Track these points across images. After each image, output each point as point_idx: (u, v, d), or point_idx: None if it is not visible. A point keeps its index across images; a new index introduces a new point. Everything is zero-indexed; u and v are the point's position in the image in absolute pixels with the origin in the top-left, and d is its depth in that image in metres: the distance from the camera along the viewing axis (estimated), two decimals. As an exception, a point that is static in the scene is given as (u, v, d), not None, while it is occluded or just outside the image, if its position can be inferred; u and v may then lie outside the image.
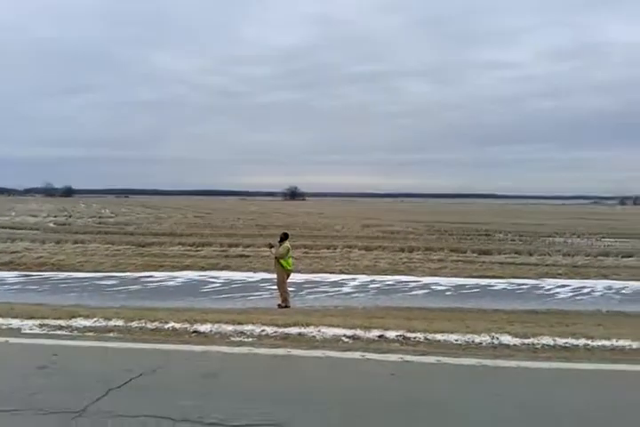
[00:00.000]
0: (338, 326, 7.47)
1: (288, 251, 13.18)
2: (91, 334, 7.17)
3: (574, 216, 62.76)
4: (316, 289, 16.04)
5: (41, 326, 7.49)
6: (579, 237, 33.40)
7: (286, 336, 7.06)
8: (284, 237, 13.52)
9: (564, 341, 6.89)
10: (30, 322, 7.63)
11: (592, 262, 21.98)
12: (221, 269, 19.67)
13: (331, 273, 18.87)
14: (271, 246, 13.73)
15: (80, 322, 7.71)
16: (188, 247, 25.25)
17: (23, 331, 7.24)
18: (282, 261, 13.08)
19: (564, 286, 17.23)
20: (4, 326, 7.45)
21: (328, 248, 25.03)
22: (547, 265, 21.08)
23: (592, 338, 7.01)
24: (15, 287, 15.89)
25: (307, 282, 16.91)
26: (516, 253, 24.43)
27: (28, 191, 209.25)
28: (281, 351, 6.21)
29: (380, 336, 7.03)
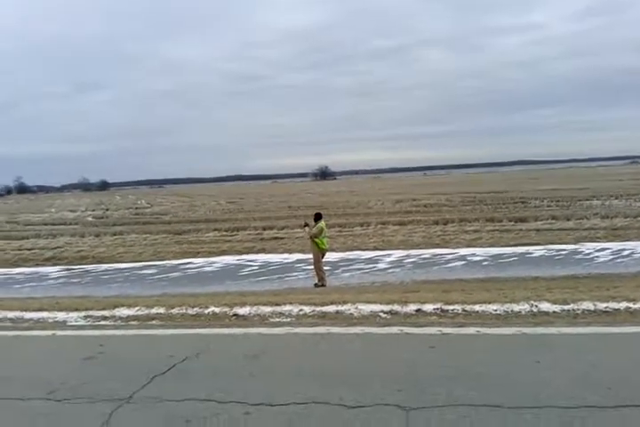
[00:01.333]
0: (375, 302, 7.50)
1: (322, 230, 13.21)
2: (134, 322, 7.35)
3: (611, 178, 61.28)
4: (351, 267, 16.10)
5: (86, 317, 7.71)
6: (617, 198, 32.65)
7: (324, 315, 7.12)
8: (318, 217, 13.56)
9: (605, 305, 6.79)
10: (75, 314, 7.85)
11: (632, 224, 21.51)
12: (257, 252, 19.90)
13: (365, 250, 18.91)
14: (306, 225, 13.74)
15: (123, 312, 7.91)
16: (224, 233, 25.56)
17: (69, 323, 7.46)
18: (316, 240, 13.13)
19: (603, 249, 16.94)
20: (51, 320, 7.69)
21: (361, 225, 25.05)
22: (585, 229, 20.73)
23: (634, 301, 6.89)
24: (59, 282, 16.33)
25: (342, 260, 16.98)
26: (552, 218, 24.07)
27: (64, 188, 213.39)
28: (320, 330, 6.26)
29: (418, 310, 7.04)
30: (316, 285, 13.05)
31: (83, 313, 7.89)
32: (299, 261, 17.29)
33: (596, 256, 15.94)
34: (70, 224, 35.10)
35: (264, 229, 25.90)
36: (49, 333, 6.80)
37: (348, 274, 15.08)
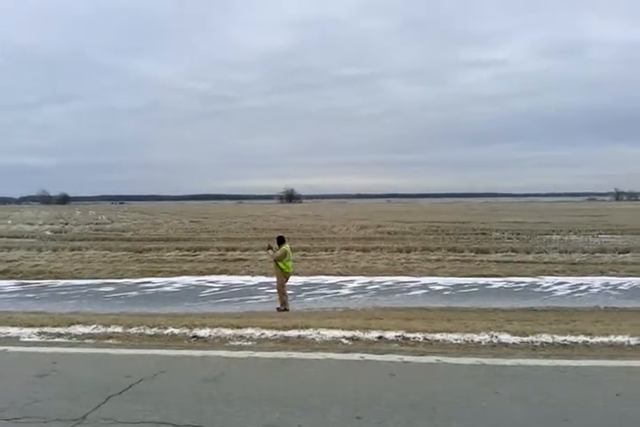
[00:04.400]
0: (337, 327, 7.47)
1: (286, 254, 13.15)
2: (90, 341, 7.16)
3: (570, 213, 62.87)
4: (314, 291, 16.03)
5: (39, 333, 7.48)
6: (575, 234, 33.44)
7: (286, 339, 7.06)
8: (281, 240, 13.51)
9: (563, 338, 6.91)
10: (29, 330, 7.61)
11: (589, 259, 22.02)
12: (219, 273, 19.67)
13: (329, 275, 18.86)
14: (269, 248, 13.67)
15: (79, 329, 7.70)
16: (186, 252, 25.21)
17: (22, 339, 7.22)
18: (280, 264, 13.06)
19: (561, 283, 17.25)
20: (3, 335, 7.43)
21: (326, 250, 25.03)
22: (544, 263, 21.12)
23: (591, 335, 7.04)
24: (13, 296, 15.84)
25: (305, 284, 16.90)
26: (513, 251, 24.45)
27: (23, 199, 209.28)
28: (281, 355, 6.21)
29: (380, 337, 7.04)
30: (278, 309, 12.93)
31: (37, 329, 7.65)
32: (261, 283, 17.15)
33: (555, 290, 16.22)
34: (27, 237, 34.21)
35: (227, 249, 25.66)
36: (0, 348, 6.58)
37: (310, 299, 15.01)
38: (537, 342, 6.81)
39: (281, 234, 14.60)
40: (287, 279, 13.38)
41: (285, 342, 6.92)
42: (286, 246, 13.28)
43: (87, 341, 7.15)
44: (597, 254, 23.31)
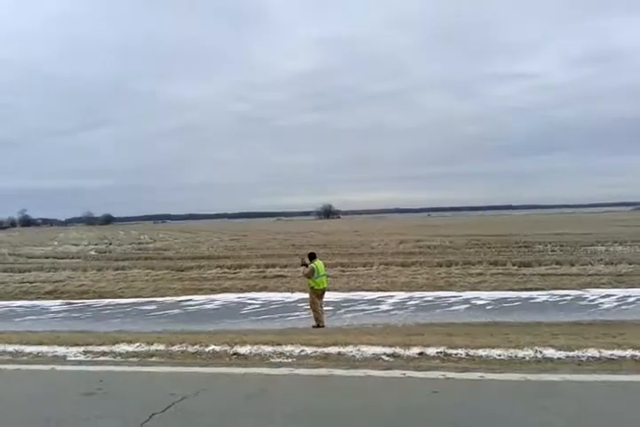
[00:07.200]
0: (377, 344, 7.43)
1: (313, 271, 12.99)
2: (134, 359, 7.28)
3: (615, 224, 61.24)
4: (354, 307, 15.97)
5: (85, 352, 7.65)
6: (621, 244, 32.53)
7: (326, 356, 7.05)
8: (312, 256, 13.44)
9: (610, 352, 6.72)
10: (75, 349, 7.79)
11: (636, 270, 21.36)
12: (259, 290, 19.78)
13: (368, 291, 18.77)
14: (304, 264, 13.56)
15: (123, 347, 7.85)
16: (226, 270, 25.47)
17: (68, 358, 7.40)
18: (310, 281, 13.00)
19: (608, 295, 16.80)
20: (50, 354, 7.63)
21: (364, 266, 24.92)
22: (589, 275, 20.58)
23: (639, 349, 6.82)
24: (60, 315, 16.23)
25: (344, 300, 16.86)
26: (556, 263, 23.93)
27: (69, 221, 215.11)
28: (321, 371, 6.20)
29: (421, 354, 6.97)
30: (314, 326, 12.84)
31: (82, 348, 7.83)
32: (301, 300, 17.15)
33: (601, 303, 15.80)
34: (73, 258, 35.09)
35: (267, 266, 25.81)
36: (48, 367, 6.75)
37: (350, 315, 14.96)
38: (583, 356, 6.64)
39: (312, 251, 14.56)
40: (322, 295, 13.24)
41: (325, 359, 6.91)
42: (317, 262, 13.17)
43: (131, 359, 7.28)
44: (645, 265, 22.61)
